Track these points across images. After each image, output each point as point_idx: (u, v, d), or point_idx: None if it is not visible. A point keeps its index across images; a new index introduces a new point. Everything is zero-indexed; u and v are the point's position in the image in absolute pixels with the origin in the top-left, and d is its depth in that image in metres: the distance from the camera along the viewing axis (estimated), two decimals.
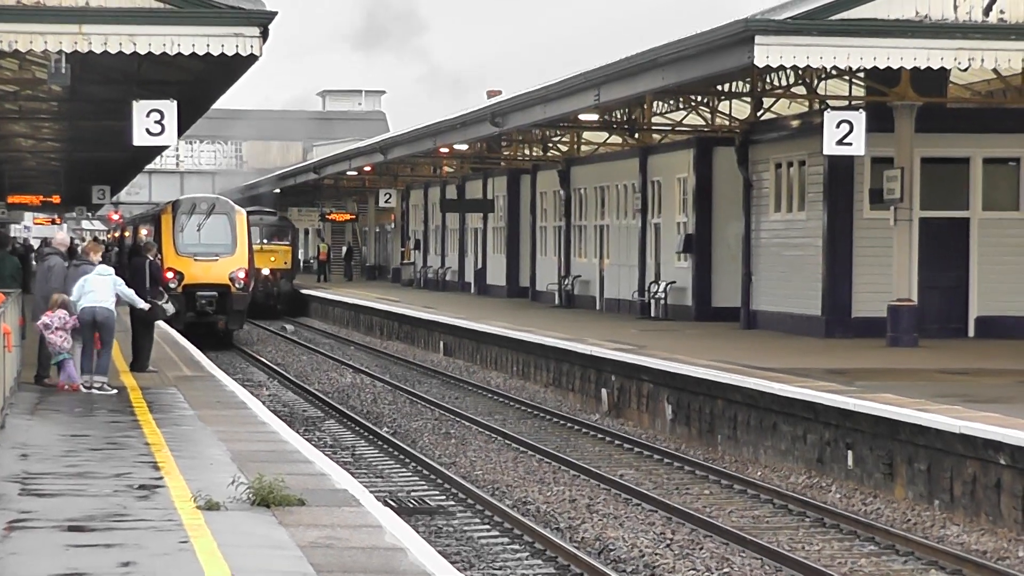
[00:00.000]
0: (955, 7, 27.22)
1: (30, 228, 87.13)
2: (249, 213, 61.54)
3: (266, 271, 66.92)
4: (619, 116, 45.48)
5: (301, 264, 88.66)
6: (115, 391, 25.19)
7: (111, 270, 26.38)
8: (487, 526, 20.75)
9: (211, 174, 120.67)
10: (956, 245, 36.90)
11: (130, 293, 26.36)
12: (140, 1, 24.79)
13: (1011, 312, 35.92)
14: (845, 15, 27.22)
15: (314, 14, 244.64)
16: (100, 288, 25.36)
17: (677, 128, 44.88)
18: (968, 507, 20.77)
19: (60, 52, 25.12)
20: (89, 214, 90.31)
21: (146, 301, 30.71)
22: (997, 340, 35.12)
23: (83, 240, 68.31)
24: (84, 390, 24.89)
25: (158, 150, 55.92)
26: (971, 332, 36.84)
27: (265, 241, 68.83)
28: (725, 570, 17.75)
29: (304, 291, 74.62)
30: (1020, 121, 36.42)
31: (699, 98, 40.94)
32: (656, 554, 18.62)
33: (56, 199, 79.51)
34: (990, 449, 20.30)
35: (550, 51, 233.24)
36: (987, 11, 27.26)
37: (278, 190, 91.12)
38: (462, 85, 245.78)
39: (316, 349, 52.56)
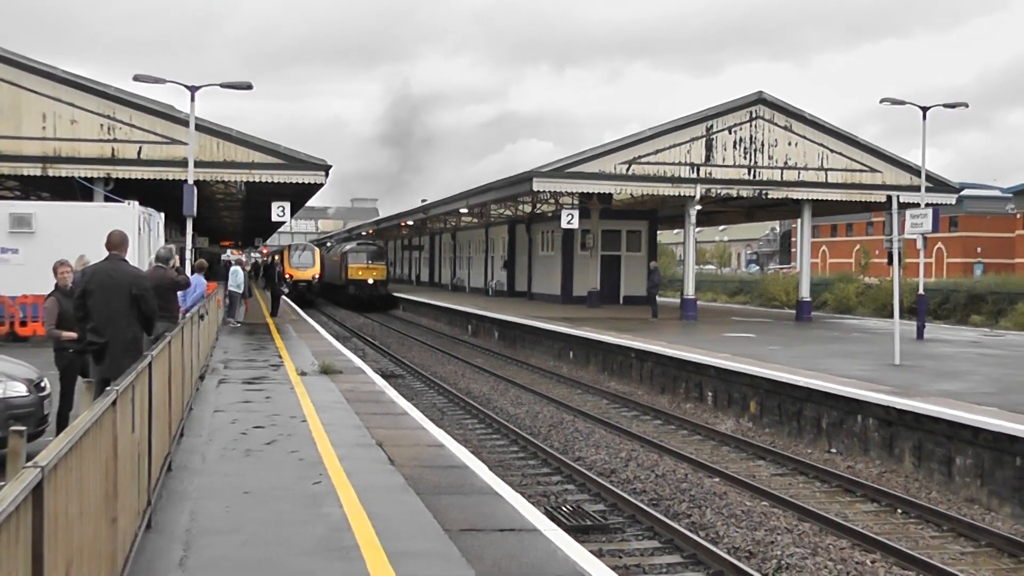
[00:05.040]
0: (615, 168, 27.70)
1: (229, 255, 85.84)
2: (359, 243, 52.29)
3: (371, 280, 48.84)
4: (477, 210, 45.48)
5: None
6: (239, 324, 24.75)
7: (237, 268, 26.15)
8: (420, 382, 20.79)
9: (303, 233, 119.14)
10: (616, 266, 37.42)
11: (233, 280, 25.67)
12: (274, 160, 24.53)
13: (636, 293, 36.52)
14: (572, 169, 27.53)
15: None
16: (230, 279, 25.63)
17: (500, 216, 45.00)
18: (619, 375, 21.22)
19: (241, 181, 24.80)
20: (253, 248, 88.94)
21: (276, 288, 30.42)
22: (632, 306, 35.66)
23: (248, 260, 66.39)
24: (228, 325, 24.48)
25: (282, 223, 54.99)
26: (622, 302, 37.41)
27: (369, 261, 49.48)
28: (521, 402, 18.00)
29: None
30: (642, 215, 37.13)
31: (511, 203, 41.15)
32: (490, 396, 18.79)
33: (240, 242, 79.09)
34: (629, 352, 20.81)
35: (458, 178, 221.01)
36: (628, 169, 27.78)
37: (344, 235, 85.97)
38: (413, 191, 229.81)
39: (348, 309, 52.01)
